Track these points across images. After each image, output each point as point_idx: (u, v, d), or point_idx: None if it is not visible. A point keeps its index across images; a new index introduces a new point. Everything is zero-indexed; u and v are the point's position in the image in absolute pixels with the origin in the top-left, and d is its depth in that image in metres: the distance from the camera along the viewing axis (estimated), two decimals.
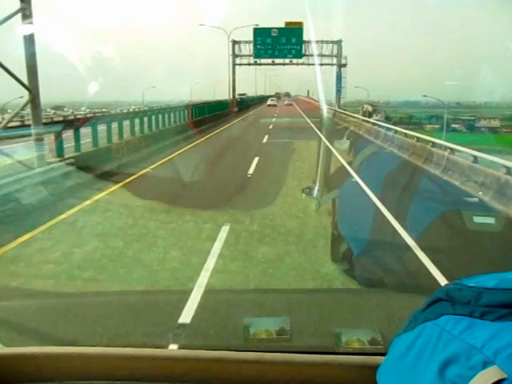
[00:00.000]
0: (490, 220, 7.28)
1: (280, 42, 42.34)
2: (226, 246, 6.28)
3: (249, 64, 44.91)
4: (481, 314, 0.47)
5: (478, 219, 7.09)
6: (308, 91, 75.43)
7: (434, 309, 0.52)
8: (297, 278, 5.33)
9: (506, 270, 0.53)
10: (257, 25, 43.56)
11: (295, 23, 42.17)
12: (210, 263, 5.64)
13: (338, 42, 44.04)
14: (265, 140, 20.68)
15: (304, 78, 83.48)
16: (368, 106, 51.22)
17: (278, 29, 42.64)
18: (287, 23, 42.34)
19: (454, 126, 49.91)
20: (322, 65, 43.56)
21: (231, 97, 46.07)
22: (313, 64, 43.26)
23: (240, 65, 45.20)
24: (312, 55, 43.22)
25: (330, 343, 2.24)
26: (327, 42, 44.04)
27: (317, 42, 43.41)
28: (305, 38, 42.59)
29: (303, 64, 43.60)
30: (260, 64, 45.74)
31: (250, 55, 44.12)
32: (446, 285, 0.53)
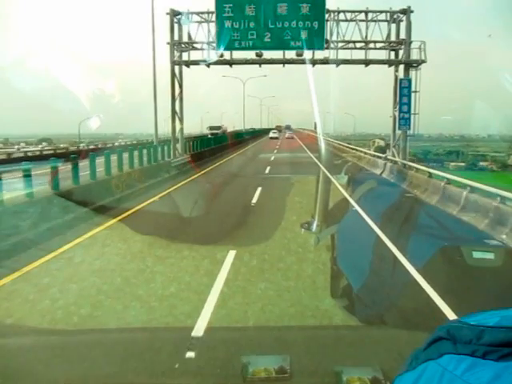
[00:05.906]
0: (489, 255, 7.23)
1: (275, 15, 19.31)
2: (225, 283, 6.22)
3: (207, 63, 20.70)
4: (483, 354, 0.47)
5: (477, 254, 7.04)
6: (315, 123, 60.08)
7: (436, 348, 0.51)
8: (296, 314, 5.25)
9: (507, 307, 0.53)
10: None
11: None
12: (209, 300, 5.57)
13: (405, 14, 19.64)
14: None
15: (308, 109, 77.54)
16: (380, 140, 45.24)
17: None
18: None
19: (482, 163, 43.91)
20: (367, 64, 20.43)
21: (177, 133, 22.29)
22: (344, 61, 20.16)
23: (187, 64, 21.25)
24: (341, 43, 19.86)
25: (330, 382, 2.19)
26: (377, 16, 19.60)
27: (353, 12, 19.83)
28: (328, 5, 19.41)
29: (324, 63, 20.20)
30: (231, 63, 21.10)
31: (210, 44, 20.17)
32: (447, 323, 0.53)
